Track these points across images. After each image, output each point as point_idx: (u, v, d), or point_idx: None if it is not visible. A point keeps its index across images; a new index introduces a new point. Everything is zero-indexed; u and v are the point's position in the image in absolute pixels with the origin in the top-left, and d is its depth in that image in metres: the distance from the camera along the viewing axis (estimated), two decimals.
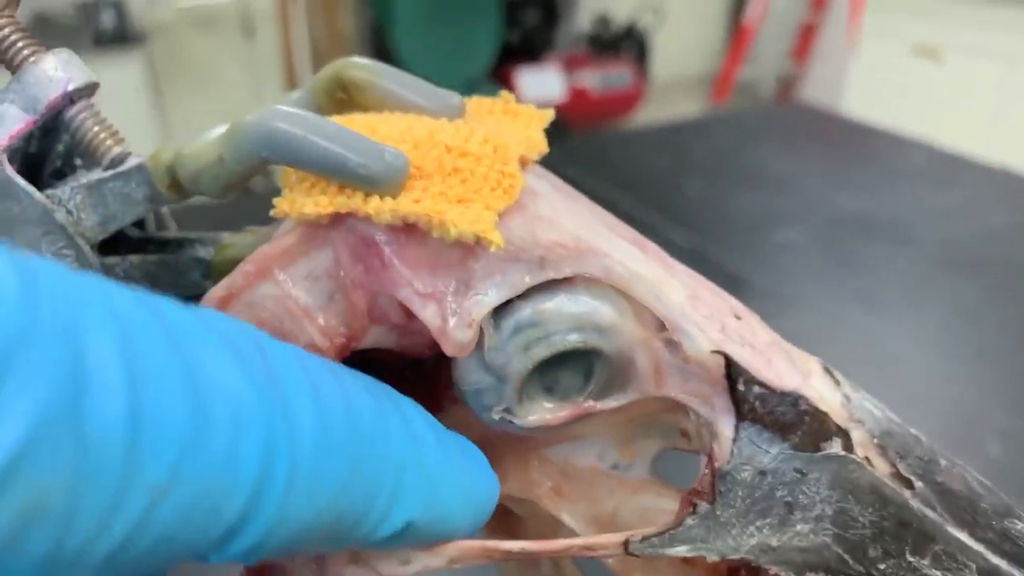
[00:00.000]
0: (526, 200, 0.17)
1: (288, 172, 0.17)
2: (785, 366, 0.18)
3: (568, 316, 0.17)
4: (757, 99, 3.72)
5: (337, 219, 0.17)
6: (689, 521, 0.17)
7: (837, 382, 0.18)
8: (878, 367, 0.77)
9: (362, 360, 0.20)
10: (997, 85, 2.30)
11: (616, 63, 3.20)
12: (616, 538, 0.17)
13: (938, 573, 0.18)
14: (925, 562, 0.18)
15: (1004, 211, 1.14)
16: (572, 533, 0.21)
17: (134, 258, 0.21)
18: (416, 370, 0.21)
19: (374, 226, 0.16)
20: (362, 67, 0.19)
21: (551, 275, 0.17)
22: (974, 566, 0.18)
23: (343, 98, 0.19)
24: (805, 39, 3.64)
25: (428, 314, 0.16)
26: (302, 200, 0.16)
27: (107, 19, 2.25)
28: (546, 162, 0.20)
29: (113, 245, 0.21)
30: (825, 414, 0.18)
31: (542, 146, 0.19)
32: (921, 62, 2.50)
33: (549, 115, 0.20)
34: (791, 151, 1.42)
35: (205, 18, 2.70)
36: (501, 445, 0.21)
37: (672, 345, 0.18)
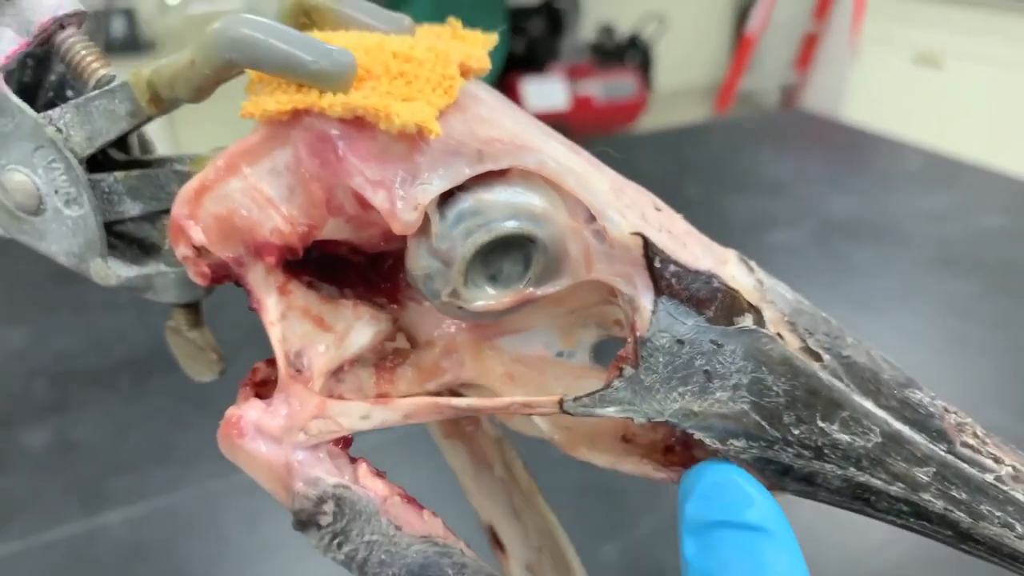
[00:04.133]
0: (468, 102, 0.19)
1: (253, 79, 0.19)
2: (700, 251, 0.20)
3: (505, 205, 0.19)
4: (760, 108, 3.74)
5: (296, 118, 0.19)
6: (616, 383, 0.19)
7: (751, 269, 0.20)
8: None
9: (333, 265, 0.22)
10: (996, 91, 2.32)
11: (620, 72, 3.22)
12: (552, 398, 0.19)
13: (846, 437, 0.20)
14: (834, 427, 0.20)
15: (997, 213, 1.16)
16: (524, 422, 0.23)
17: (118, 174, 0.23)
18: (380, 274, 0.23)
19: (329, 123, 0.18)
20: None
21: (489, 167, 0.19)
22: (878, 430, 0.20)
23: (306, 22, 0.21)
24: (807, 48, 3.67)
25: (378, 199, 0.18)
26: (264, 100, 0.18)
27: (118, 27, 2.29)
28: None
29: (101, 165, 0.23)
30: (736, 291, 0.19)
31: (484, 62, 0.21)
32: (921, 69, 2.52)
33: (494, 39, 0.22)
34: (788, 156, 1.44)
35: None
36: (459, 338, 0.22)
37: (599, 234, 0.19)
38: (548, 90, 3.03)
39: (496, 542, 0.30)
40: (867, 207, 1.18)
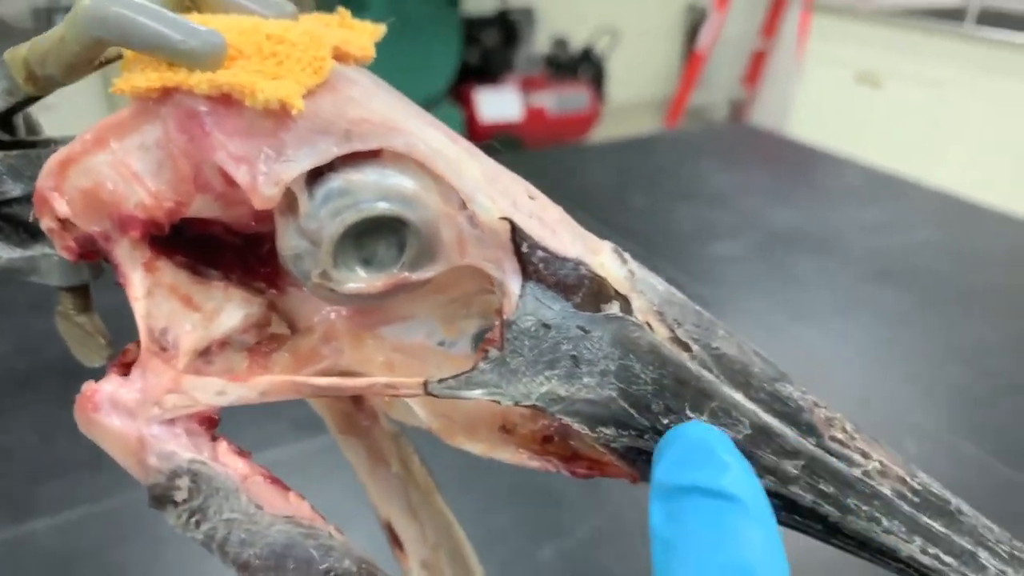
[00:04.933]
0: (340, 84, 0.19)
1: (127, 58, 0.19)
2: (569, 239, 0.20)
3: (375, 185, 0.19)
4: (709, 123, 3.81)
5: (166, 95, 0.19)
6: (482, 365, 0.20)
7: (624, 260, 0.21)
8: (807, 372, 0.80)
9: (212, 248, 0.22)
10: (932, 110, 2.40)
11: (573, 85, 3.26)
12: (416, 380, 0.20)
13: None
14: (703, 417, 0.20)
15: (931, 226, 1.19)
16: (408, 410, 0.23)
17: None
18: (260, 258, 0.23)
19: (197, 100, 0.19)
20: None
21: (357, 147, 0.19)
22: (747, 422, 0.20)
23: (189, 6, 0.21)
24: (756, 65, 3.75)
25: (240, 174, 0.18)
26: (135, 77, 0.19)
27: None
28: None
29: None
30: (603, 279, 0.20)
31: (368, 51, 0.21)
32: (862, 88, 2.60)
33: (381, 30, 0.22)
34: (731, 169, 1.47)
35: None
36: (339, 325, 0.23)
37: (472, 220, 0.20)
38: (501, 100, 3.05)
39: (394, 539, 0.30)
40: (808, 220, 1.20)
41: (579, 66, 3.41)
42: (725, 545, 0.17)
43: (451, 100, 2.98)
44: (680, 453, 0.19)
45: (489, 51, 3.18)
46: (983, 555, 0.20)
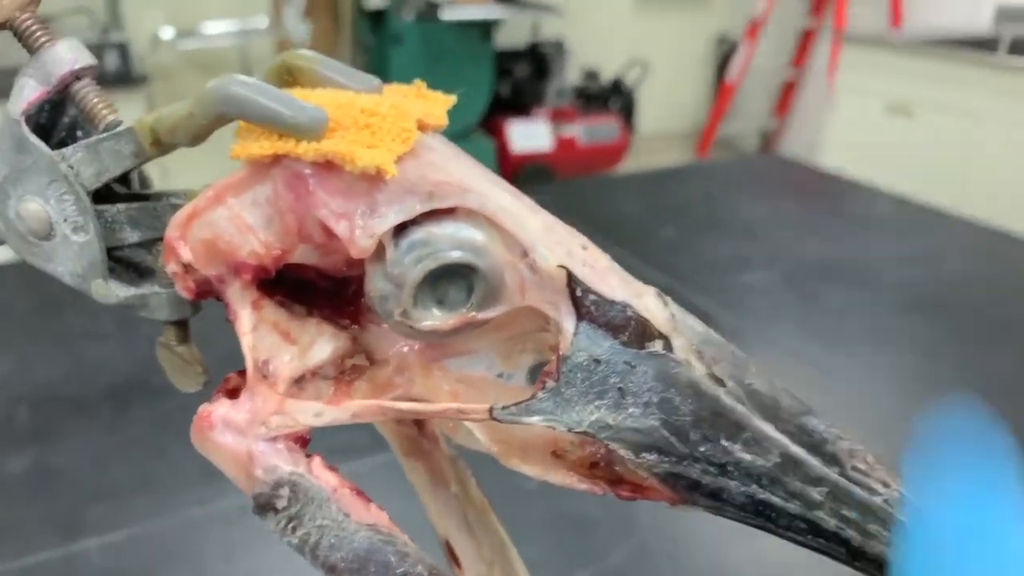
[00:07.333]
0: (422, 151, 0.23)
1: (242, 127, 0.23)
2: (618, 284, 0.23)
3: (451, 238, 0.22)
4: (740, 153, 3.82)
5: (276, 160, 0.22)
6: (540, 395, 0.22)
7: (666, 304, 0.24)
8: (836, 402, 0.80)
9: (304, 289, 0.26)
10: (964, 141, 2.39)
11: (603, 116, 3.30)
12: (483, 406, 0.23)
13: (747, 456, 0.22)
14: (737, 446, 0.22)
15: (962, 257, 1.19)
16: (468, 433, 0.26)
17: (120, 205, 0.26)
18: (345, 299, 0.26)
19: (302, 164, 0.22)
20: (304, 56, 0.25)
21: (437, 205, 0.22)
22: (777, 451, 0.22)
23: (289, 80, 0.25)
24: (786, 96, 3.77)
25: (340, 228, 0.22)
26: (250, 145, 0.22)
27: (111, 61, 2.33)
28: None
29: (105, 198, 0.27)
30: (647, 320, 0.23)
31: (441, 120, 0.24)
32: (894, 118, 2.60)
33: (452, 99, 0.25)
34: (762, 199, 1.48)
35: (205, 61, 2.79)
36: (410, 358, 0.26)
37: (532, 267, 0.23)
38: (532, 132, 3.10)
39: (452, 556, 0.32)
40: (839, 250, 1.21)
41: (609, 97, 3.45)
42: None
43: (483, 131, 3.04)
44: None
45: (521, 83, 3.24)
46: None
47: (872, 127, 2.67)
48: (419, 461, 0.31)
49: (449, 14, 2.77)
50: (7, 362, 0.85)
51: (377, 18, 2.93)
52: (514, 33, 3.32)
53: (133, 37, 2.56)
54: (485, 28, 2.88)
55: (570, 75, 3.48)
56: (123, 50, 2.37)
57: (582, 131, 3.19)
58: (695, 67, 4.02)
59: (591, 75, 3.55)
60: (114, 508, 0.63)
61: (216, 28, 2.78)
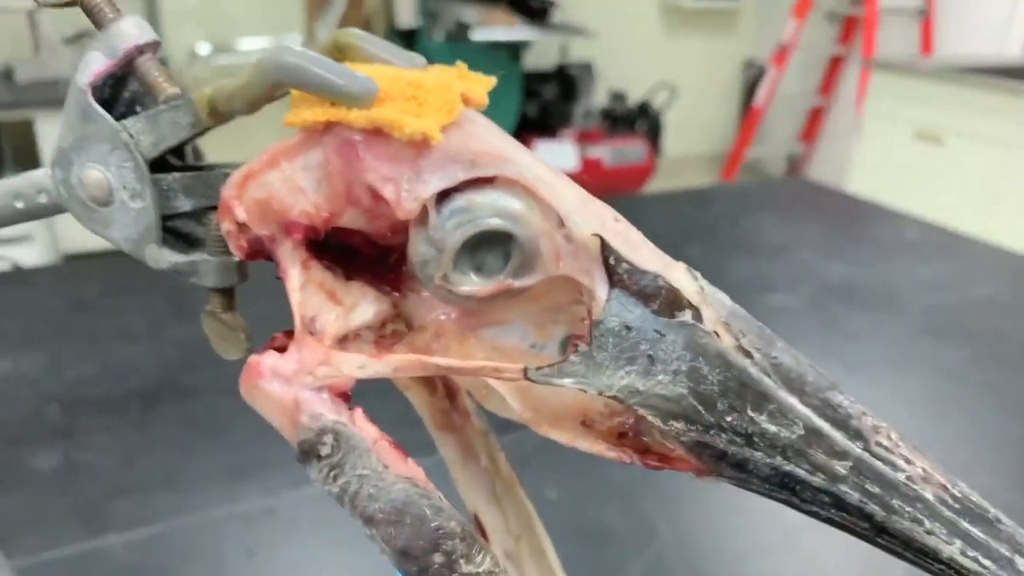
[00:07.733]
0: (465, 123, 0.24)
1: (295, 95, 0.24)
2: (650, 255, 0.24)
3: (490, 205, 0.23)
4: (766, 177, 3.82)
5: (327, 127, 0.23)
6: (573, 358, 0.23)
7: (696, 278, 0.24)
8: None
9: (351, 256, 0.27)
10: (993, 168, 2.38)
11: (630, 138, 3.31)
12: (518, 365, 0.23)
13: (772, 427, 0.22)
14: (763, 417, 0.22)
15: (989, 283, 1.18)
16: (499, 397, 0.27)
17: (176, 174, 0.28)
18: (388, 266, 0.27)
19: (353, 131, 0.23)
20: (354, 35, 0.26)
21: (479, 173, 0.23)
22: (801, 424, 0.22)
23: (339, 57, 0.26)
24: (813, 122, 3.76)
25: (387, 191, 0.23)
26: (303, 112, 0.23)
27: None
28: None
29: (161, 168, 0.28)
30: (678, 290, 0.23)
31: (483, 99, 0.25)
32: (923, 145, 2.59)
33: (493, 80, 0.27)
34: (787, 222, 1.48)
35: None
36: (447, 325, 0.27)
37: (568, 236, 0.24)
38: (558, 152, 3.12)
39: (480, 530, 0.33)
40: (864, 274, 1.20)
41: (636, 120, 3.47)
42: None
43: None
44: None
45: (548, 104, 3.26)
46: (1020, 562, 0.21)
47: (901, 154, 2.66)
48: (450, 434, 0.32)
49: (479, 35, 2.82)
50: (39, 361, 0.86)
51: (408, 37, 2.98)
52: (543, 55, 3.36)
53: (171, 53, 2.63)
54: (514, 49, 2.91)
55: (598, 97, 3.51)
56: (161, 64, 2.42)
57: (608, 152, 3.21)
58: (722, 91, 4.03)
59: (618, 97, 3.58)
60: (139, 505, 0.64)
61: (251, 44, 2.85)
